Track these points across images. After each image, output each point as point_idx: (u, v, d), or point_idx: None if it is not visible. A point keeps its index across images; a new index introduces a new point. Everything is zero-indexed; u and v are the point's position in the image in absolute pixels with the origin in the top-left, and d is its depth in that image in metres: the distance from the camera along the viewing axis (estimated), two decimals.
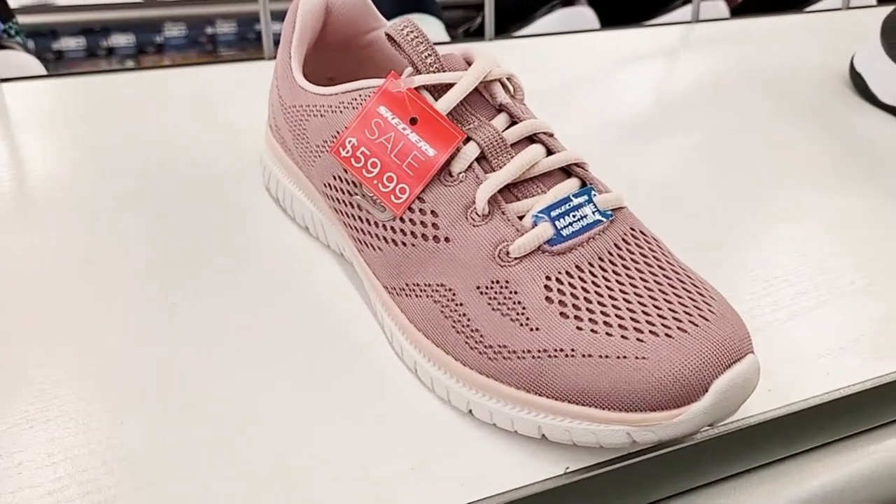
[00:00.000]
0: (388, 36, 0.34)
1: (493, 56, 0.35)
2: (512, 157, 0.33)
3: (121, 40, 1.30)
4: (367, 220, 0.34)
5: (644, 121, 0.58)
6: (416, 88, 0.33)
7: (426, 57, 0.34)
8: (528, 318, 0.30)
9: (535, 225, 0.31)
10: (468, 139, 0.33)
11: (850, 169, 0.53)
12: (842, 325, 0.38)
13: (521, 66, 0.71)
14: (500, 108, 0.34)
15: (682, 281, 0.30)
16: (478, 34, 0.96)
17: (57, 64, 1.20)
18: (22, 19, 1.22)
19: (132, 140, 0.50)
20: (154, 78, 0.60)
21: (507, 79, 0.35)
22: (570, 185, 0.33)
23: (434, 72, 0.34)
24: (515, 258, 0.31)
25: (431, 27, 0.80)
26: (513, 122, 0.34)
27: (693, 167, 0.52)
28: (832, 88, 0.63)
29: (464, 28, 1.01)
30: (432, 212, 0.32)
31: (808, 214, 0.47)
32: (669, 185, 0.49)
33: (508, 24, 0.88)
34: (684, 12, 0.90)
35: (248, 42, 1.29)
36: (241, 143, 0.49)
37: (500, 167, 0.32)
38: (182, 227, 0.42)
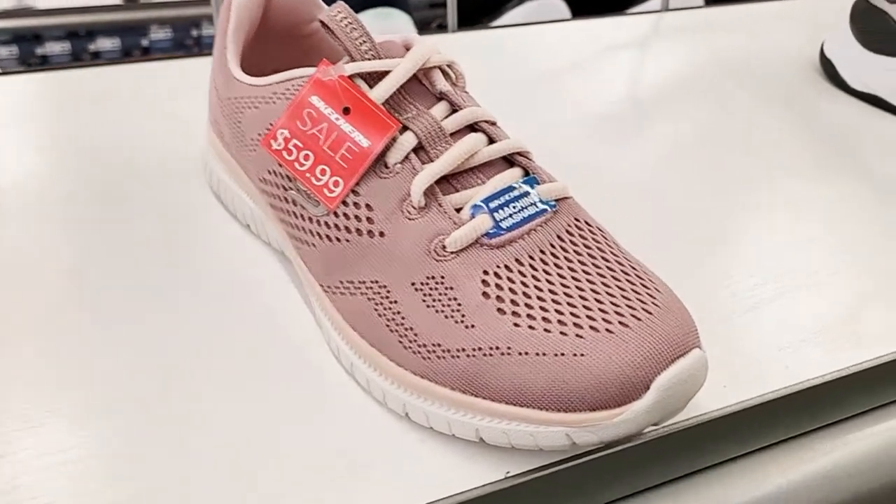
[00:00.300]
0: (322, 23, 0.32)
1: (432, 43, 0.34)
2: (451, 147, 0.31)
3: (106, 44, 1.28)
4: (302, 215, 0.33)
5: (616, 112, 0.56)
6: (349, 77, 0.32)
7: (361, 44, 0.32)
8: (463, 315, 0.28)
9: (472, 217, 0.30)
10: (405, 129, 0.31)
11: (820, 157, 0.51)
12: (804, 317, 0.37)
13: (490, 57, 0.70)
14: (440, 97, 0.33)
15: (626, 273, 0.29)
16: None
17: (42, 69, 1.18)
18: (4, 24, 1.21)
19: (76, 138, 0.49)
20: (103, 74, 0.59)
21: (448, 66, 0.34)
22: (512, 175, 0.31)
23: (369, 59, 0.32)
24: (452, 252, 0.29)
25: (399, 21, 0.79)
26: (453, 111, 0.32)
27: (664, 158, 0.50)
28: (804, 76, 0.62)
29: (437, 22, 1.00)
30: (367, 205, 0.31)
31: (777, 204, 0.46)
32: (640, 176, 0.48)
33: (479, 16, 0.86)
34: (657, 2, 0.88)
35: None
36: (193, 138, 0.48)
37: (439, 157, 0.31)
38: (123, 228, 0.40)
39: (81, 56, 1.25)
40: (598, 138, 0.52)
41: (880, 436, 0.34)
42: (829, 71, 0.59)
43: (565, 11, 0.84)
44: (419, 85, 0.33)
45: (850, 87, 0.57)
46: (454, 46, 0.65)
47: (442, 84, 0.33)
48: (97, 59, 1.24)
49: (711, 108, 0.57)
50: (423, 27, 0.98)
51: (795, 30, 0.71)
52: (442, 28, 1.00)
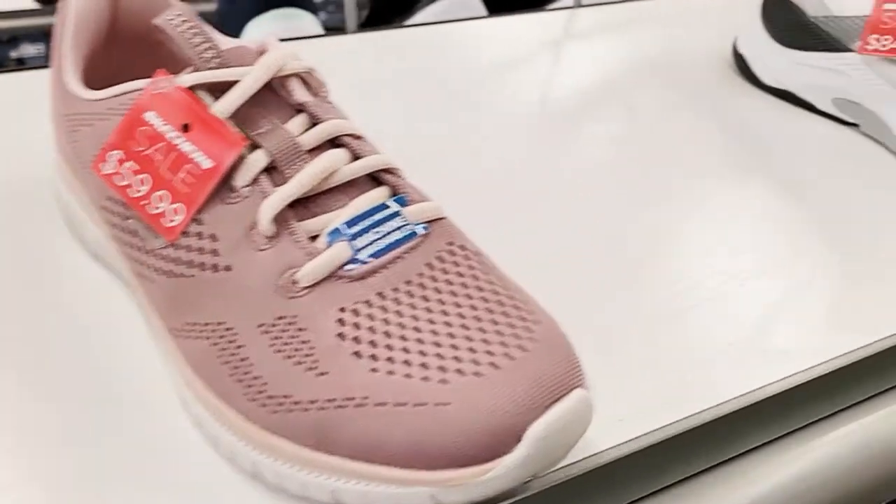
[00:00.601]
0: (158, 28, 0.29)
1: (289, 48, 0.30)
2: (306, 166, 0.28)
3: (30, 50, 1.22)
4: (143, 248, 0.29)
5: (531, 113, 0.53)
6: (189, 88, 0.28)
7: (204, 51, 0.28)
8: (316, 361, 0.25)
9: (329, 245, 0.26)
10: (255, 146, 0.28)
11: (733, 157, 0.49)
12: (716, 331, 0.35)
13: (397, 57, 0.67)
14: (299, 109, 0.29)
15: (501, 304, 0.26)
16: (371, 24, 0.92)
17: None
18: None
19: None
20: None
21: (307, 73, 0.30)
22: (377, 196, 0.28)
23: (214, 68, 0.28)
24: (305, 287, 0.26)
25: (304, 22, 0.75)
26: (313, 124, 0.29)
27: (579, 160, 0.48)
28: (718, 72, 0.59)
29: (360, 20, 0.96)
30: (211, 235, 0.27)
31: (691, 206, 0.44)
32: (555, 179, 0.45)
33: (391, 15, 0.83)
34: None
35: None
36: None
37: (292, 178, 0.27)
38: None
39: (4, 63, 1.18)
40: (513, 140, 0.49)
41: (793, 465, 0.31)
42: (742, 67, 0.57)
43: (480, 9, 0.81)
44: (274, 96, 0.29)
45: (763, 83, 0.55)
46: (356, 48, 0.62)
47: (300, 94, 0.29)
48: (22, 65, 1.17)
49: (625, 108, 0.54)
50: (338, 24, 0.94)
51: (711, 24, 0.69)
52: (362, 27, 0.96)
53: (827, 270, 0.40)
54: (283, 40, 0.63)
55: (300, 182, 0.27)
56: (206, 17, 0.35)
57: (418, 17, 0.81)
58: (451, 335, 0.24)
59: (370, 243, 0.27)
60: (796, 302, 0.37)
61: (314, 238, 0.27)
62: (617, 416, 0.29)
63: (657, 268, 0.39)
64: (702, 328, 0.35)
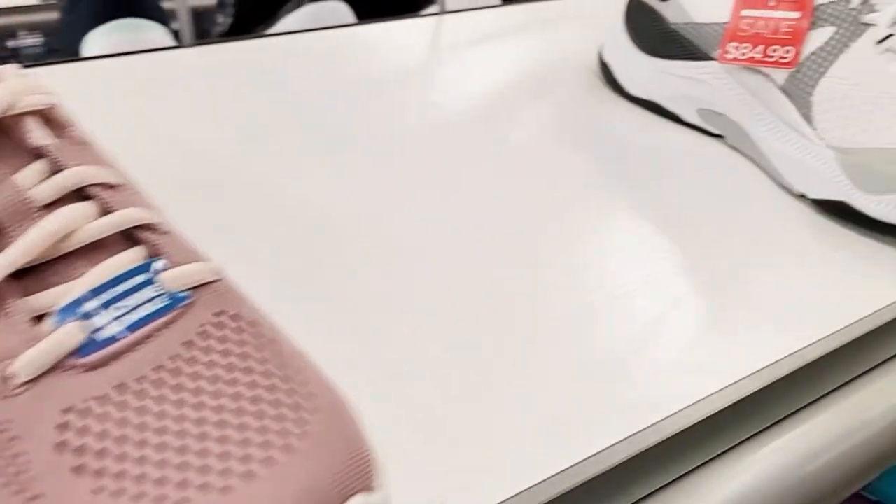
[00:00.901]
0: None
1: (30, 79, 0.25)
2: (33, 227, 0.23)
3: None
4: None
5: (385, 130, 0.49)
6: None
7: None
8: (31, 480, 0.20)
9: (56, 328, 0.21)
10: None
11: (599, 171, 0.46)
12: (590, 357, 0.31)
13: (258, 72, 0.62)
14: (37, 154, 0.24)
15: (273, 390, 0.21)
16: (232, 33, 0.86)
17: None
18: None
19: None
20: None
21: (48, 110, 0.25)
22: (128, 259, 0.23)
23: None
24: (23, 384, 0.21)
25: (151, 34, 0.69)
26: (52, 173, 0.24)
27: (444, 177, 0.44)
28: (587, 82, 0.57)
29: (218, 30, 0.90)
30: None
31: (561, 223, 0.40)
32: (424, 197, 0.41)
33: (252, 25, 0.78)
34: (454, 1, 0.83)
35: None
36: None
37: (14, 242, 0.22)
38: None
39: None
40: (365, 161, 0.45)
41: None
42: (608, 77, 0.54)
43: (348, 15, 0.77)
44: (5, 139, 0.24)
45: (629, 93, 0.53)
46: (193, 63, 0.56)
47: (39, 136, 0.24)
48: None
49: (495, 121, 0.51)
50: (202, 35, 0.88)
51: (582, 31, 0.67)
52: (224, 37, 0.90)
53: (698, 290, 0.37)
54: (122, 54, 0.57)
55: (24, 247, 0.22)
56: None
57: (282, 24, 0.76)
58: (203, 436, 0.20)
59: (114, 320, 0.22)
60: (675, 320, 0.34)
61: (40, 318, 0.22)
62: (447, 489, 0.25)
63: (529, 285, 0.35)
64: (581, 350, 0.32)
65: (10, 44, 1.08)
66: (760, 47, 0.44)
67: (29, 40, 1.13)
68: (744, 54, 0.45)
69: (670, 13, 0.49)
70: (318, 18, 0.75)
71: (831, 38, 0.42)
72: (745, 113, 0.47)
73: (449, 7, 0.80)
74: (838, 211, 0.42)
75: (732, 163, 0.48)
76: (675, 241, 0.41)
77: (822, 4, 0.43)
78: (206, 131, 0.47)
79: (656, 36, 0.50)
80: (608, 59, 0.54)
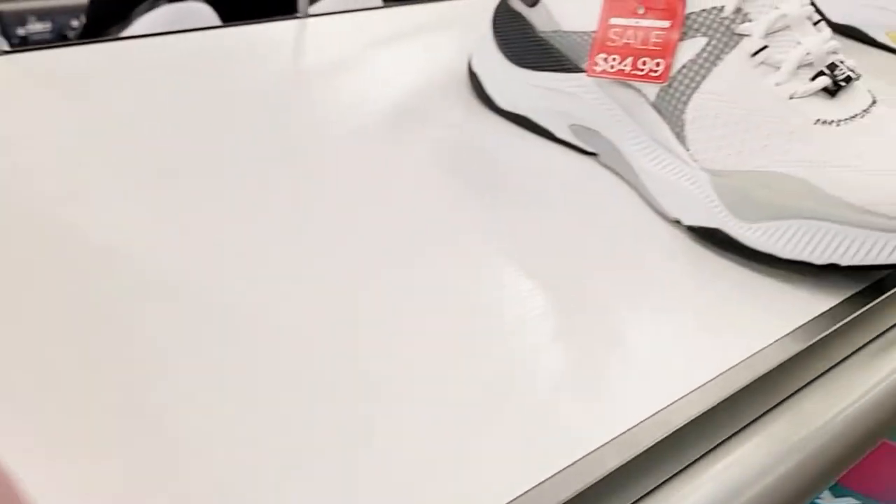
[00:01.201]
0: None
1: None
2: None
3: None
4: None
5: (224, 150, 0.43)
6: None
7: None
8: None
9: None
10: None
11: (467, 192, 0.42)
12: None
13: (106, 79, 0.55)
14: None
15: None
16: (88, 35, 0.78)
17: None
18: None
19: None
20: None
21: None
22: None
23: None
24: None
25: None
26: None
27: (279, 200, 0.38)
28: (455, 93, 0.52)
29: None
30: None
31: (422, 255, 0.35)
32: (241, 235, 0.35)
33: (106, 25, 0.71)
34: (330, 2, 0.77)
35: None
36: None
37: None
38: None
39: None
40: (214, 188, 0.39)
41: None
42: (478, 89, 0.50)
43: (211, 17, 0.71)
44: None
45: (498, 106, 0.48)
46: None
47: None
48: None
49: (357, 139, 0.46)
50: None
51: (461, 37, 0.62)
52: (78, 39, 0.82)
53: (563, 329, 0.33)
54: None
55: None
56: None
57: (136, 26, 0.69)
58: None
59: None
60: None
61: None
62: None
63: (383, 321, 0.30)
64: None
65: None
66: (630, 59, 0.40)
67: (38, 26, 1.02)
68: (612, 67, 0.41)
69: (538, 20, 0.45)
70: (175, 20, 0.68)
71: (703, 50, 0.39)
72: (618, 130, 0.43)
73: (332, 8, 0.74)
74: (714, 239, 0.38)
75: (606, 184, 0.44)
76: (541, 272, 0.36)
77: (693, 13, 0.39)
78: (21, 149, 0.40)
79: (525, 45, 0.46)
80: (477, 69, 0.50)
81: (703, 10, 0.39)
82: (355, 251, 0.36)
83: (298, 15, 0.63)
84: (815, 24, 0.41)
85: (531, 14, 0.45)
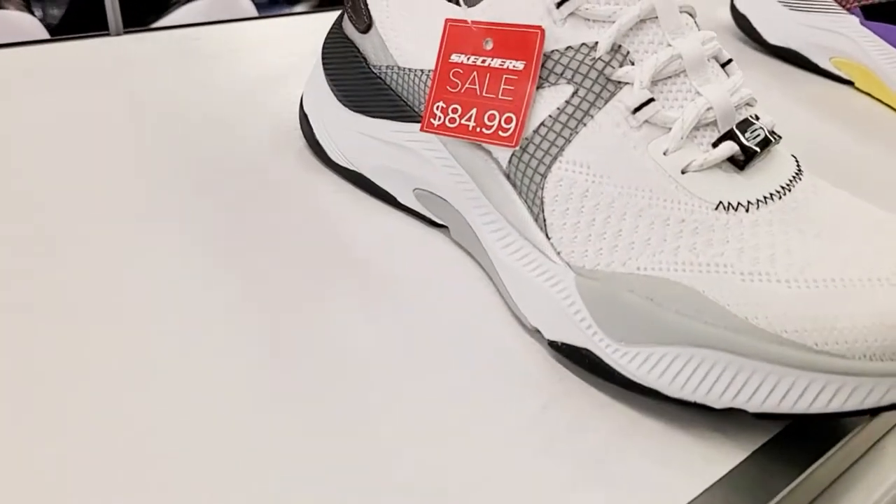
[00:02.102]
0: None
1: None
2: None
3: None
4: None
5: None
6: None
7: None
8: None
9: None
10: None
11: (283, 273, 0.31)
12: None
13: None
14: None
15: None
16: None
17: None
18: None
19: None
20: None
21: None
22: None
23: None
24: None
25: None
26: None
27: None
28: (289, 141, 0.41)
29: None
30: None
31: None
32: None
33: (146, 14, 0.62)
34: None
35: None
36: None
37: None
38: None
39: None
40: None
41: None
42: (308, 134, 0.37)
43: (250, 8, 0.61)
44: None
45: (336, 163, 0.37)
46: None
47: None
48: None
49: (132, 191, 0.34)
50: None
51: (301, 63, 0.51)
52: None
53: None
54: None
55: None
56: None
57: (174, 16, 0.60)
58: None
59: None
60: None
61: None
62: None
63: None
64: None
65: None
66: (474, 112, 0.30)
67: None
68: (453, 121, 0.30)
69: (371, 51, 0.34)
70: (218, 11, 0.59)
71: (568, 104, 0.28)
72: (468, 204, 0.32)
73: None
74: (583, 362, 0.28)
75: (455, 270, 0.33)
76: (362, 386, 0.26)
77: (556, 51, 0.28)
78: None
79: (356, 82, 0.35)
80: (308, 110, 0.39)
81: (570, 48, 0.28)
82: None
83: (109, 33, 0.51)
84: (724, 65, 0.31)
85: (364, 42, 0.35)
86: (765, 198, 0.27)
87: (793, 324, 0.24)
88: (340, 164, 0.37)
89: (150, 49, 0.49)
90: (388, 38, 0.33)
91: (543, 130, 0.28)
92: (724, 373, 0.25)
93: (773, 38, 0.62)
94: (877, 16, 0.57)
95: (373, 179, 0.36)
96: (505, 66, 0.29)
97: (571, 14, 0.28)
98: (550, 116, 0.28)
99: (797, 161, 0.30)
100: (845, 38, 0.58)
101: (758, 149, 0.28)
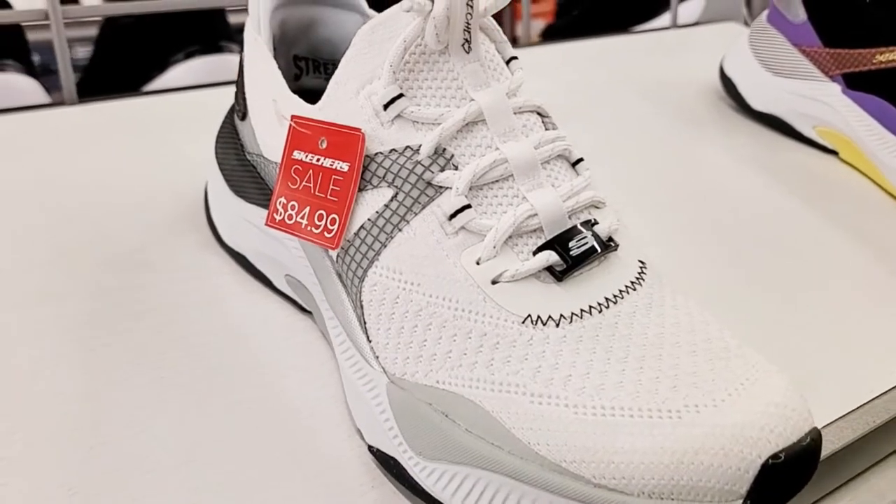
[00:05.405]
0: None
1: None
2: None
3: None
4: None
5: None
6: None
7: None
8: None
9: None
10: None
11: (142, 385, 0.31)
12: None
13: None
14: None
15: None
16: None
17: None
18: None
19: None
20: None
21: None
22: None
23: None
24: None
25: None
26: None
27: None
28: (192, 220, 0.42)
29: None
30: None
31: None
32: None
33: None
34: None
35: None
36: None
37: None
38: None
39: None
40: None
41: None
42: (207, 215, 0.39)
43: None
44: None
45: (223, 240, 0.38)
46: None
47: None
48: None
49: None
50: None
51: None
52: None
53: None
54: None
55: None
56: None
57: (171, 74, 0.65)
58: None
59: None
60: None
61: None
62: None
63: None
64: None
65: None
66: (307, 209, 0.30)
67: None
68: (290, 217, 0.30)
69: (247, 138, 0.35)
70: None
71: (387, 207, 0.28)
72: (318, 299, 0.32)
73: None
74: (393, 471, 0.27)
75: (310, 360, 0.33)
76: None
77: (379, 153, 0.28)
78: None
79: (235, 167, 0.36)
80: (208, 191, 0.40)
81: (394, 151, 0.28)
82: None
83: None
84: (574, 164, 0.30)
85: (243, 129, 0.35)
86: (581, 311, 0.26)
87: (573, 454, 0.23)
88: (229, 245, 0.38)
89: (89, 120, 0.51)
90: (256, 127, 0.34)
91: (363, 233, 0.28)
92: (508, 497, 0.24)
93: (757, 105, 0.60)
94: (859, 84, 0.54)
95: (253, 262, 0.36)
96: (334, 167, 0.29)
97: (398, 116, 0.28)
98: (370, 220, 0.28)
99: (642, 269, 0.28)
100: (828, 107, 0.55)
101: (582, 257, 0.27)
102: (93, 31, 0.82)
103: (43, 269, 0.37)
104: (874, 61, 0.52)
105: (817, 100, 0.56)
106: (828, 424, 0.31)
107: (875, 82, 0.53)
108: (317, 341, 0.34)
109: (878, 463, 0.33)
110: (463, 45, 0.28)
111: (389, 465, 0.27)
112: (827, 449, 0.30)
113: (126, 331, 0.34)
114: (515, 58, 0.30)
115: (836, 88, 0.55)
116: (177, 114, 0.52)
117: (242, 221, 0.36)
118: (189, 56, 0.70)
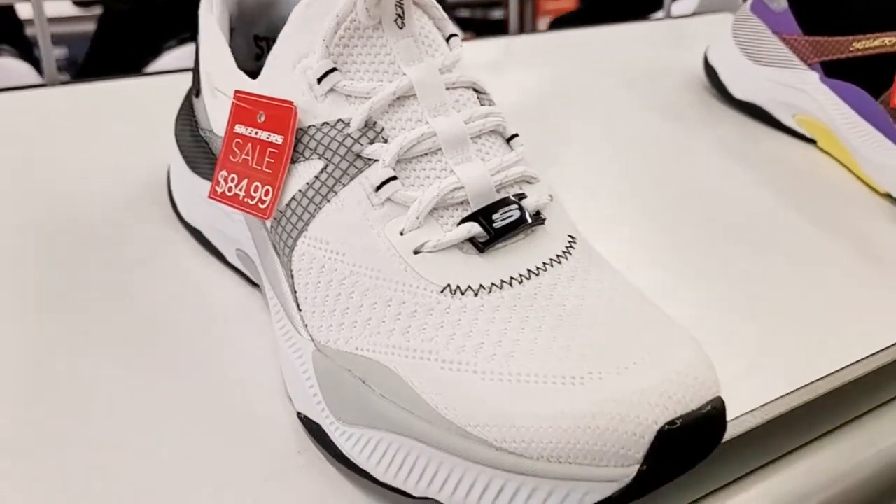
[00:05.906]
0: None
1: None
2: None
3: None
4: None
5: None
6: None
7: None
8: None
9: None
10: None
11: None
12: None
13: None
14: None
15: None
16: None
17: None
18: None
19: None
20: None
21: None
22: None
23: None
24: None
25: None
26: None
27: None
28: (160, 197, 0.43)
29: None
30: None
31: None
32: None
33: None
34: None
35: None
36: None
37: None
38: None
39: None
40: None
41: None
42: (170, 194, 0.40)
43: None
44: None
45: (182, 217, 0.39)
46: None
47: None
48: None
49: None
50: None
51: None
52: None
53: None
54: None
55: None
56: None
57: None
58: None
59: None
60: None
61: None
62: None
63: None
64: None
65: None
66: (245, 182, 0.30)
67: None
68: (230, 190, 0.31)
69: (201, 114, 0.36)
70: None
71: (317, 178, 0.28)
72: (261, 271, 0.33)
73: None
74: (318, 437, 0.28)
75: (258, 331, 0.34)
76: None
77: (311, 126, 0.29)
78: None
79: (192, 144, 0.36)
80: (170, 167, 0.40)
81: (326, 124, 0.28)
82: None
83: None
84: (509, 139, 0.30)
85: (197, 105, 0.36)
86: (501, 282, 0.26)
87: (477, 418, 0.24)
88: (187, 220, 0.38)
89: (70, 101, 0.52)
90: (207, 103, 0.35)
91: (294, 204, 0.29)
92: (417, 461, 0.25)
93: (739, 94, 0.60)
94: (837, 72, 0.53)
95: (208, 237, 0.37)
96: (269, 140, 0.29)
97: (331, 90, 0.29)
98: (300, 191, 0.28)
99: (571, 243, 0.28)
100: (806, 96, 0.55)
101: (506, 230, 0.27)
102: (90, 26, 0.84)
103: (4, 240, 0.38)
104: (851, 49, 0.52)
105: (796, 88, 0.56)
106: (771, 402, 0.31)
107: (852, 70, 0.52)
108: (262, 313, 0.34)
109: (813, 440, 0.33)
110: (396, 20, 0.29)
111: (314, 431, 0.28)
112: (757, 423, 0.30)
113: (77, 300, 0.35)
114: (455, 35, 0.31)
115: (814, 76, 0.55)
116: (157, 97, 0.53)
117: (197, 197, 0.37)
118: (182, 42, 0.72)
